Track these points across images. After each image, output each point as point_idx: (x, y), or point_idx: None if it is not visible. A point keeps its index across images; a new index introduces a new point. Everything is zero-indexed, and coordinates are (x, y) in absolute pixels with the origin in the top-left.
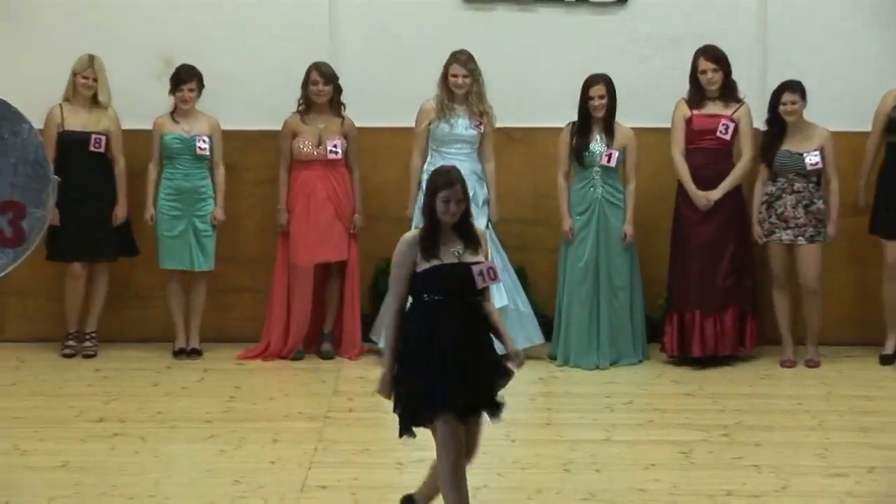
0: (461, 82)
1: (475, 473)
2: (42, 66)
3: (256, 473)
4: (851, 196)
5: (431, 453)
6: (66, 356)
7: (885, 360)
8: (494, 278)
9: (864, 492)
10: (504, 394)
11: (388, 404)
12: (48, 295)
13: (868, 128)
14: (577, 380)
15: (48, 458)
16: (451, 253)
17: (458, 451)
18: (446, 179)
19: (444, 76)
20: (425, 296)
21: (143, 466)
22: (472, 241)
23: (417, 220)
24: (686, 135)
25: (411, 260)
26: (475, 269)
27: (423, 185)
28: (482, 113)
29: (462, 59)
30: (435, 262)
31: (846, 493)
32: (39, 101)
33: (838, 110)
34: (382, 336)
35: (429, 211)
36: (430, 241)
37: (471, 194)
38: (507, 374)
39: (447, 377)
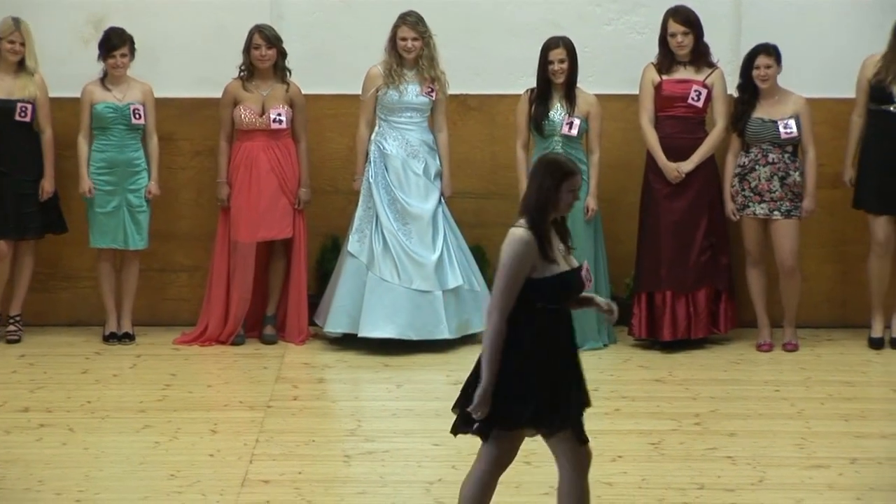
0: (410, 46)
1: (428, 467)
2: None
3: (193, 467)
4: (830, 167)
5: (381, 444)
6: None
7: (875, 344)
8: (591, 280)
9: (845, 484)
10: (462, 380)
11: (335, 392)
12: None
13: (847, 94)
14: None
15: None
16: (559, 254)
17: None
18: (571, 167)
19: (393, 39)
20: (539, 304)
21: (72, 460)
22: (566, 237)
23: (365, 195)
24: (655, 102)
25: (531, 264)
26: (582, 273)
27: (371, 155)
28: (434, 79)
29: (411, 20)
30: (557, 269)
31: (826, 486)
32: None
33: (815, 76)
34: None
35: (546, 204)
36: (545, 240)
37: (422, 166)
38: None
39: (572, 394)
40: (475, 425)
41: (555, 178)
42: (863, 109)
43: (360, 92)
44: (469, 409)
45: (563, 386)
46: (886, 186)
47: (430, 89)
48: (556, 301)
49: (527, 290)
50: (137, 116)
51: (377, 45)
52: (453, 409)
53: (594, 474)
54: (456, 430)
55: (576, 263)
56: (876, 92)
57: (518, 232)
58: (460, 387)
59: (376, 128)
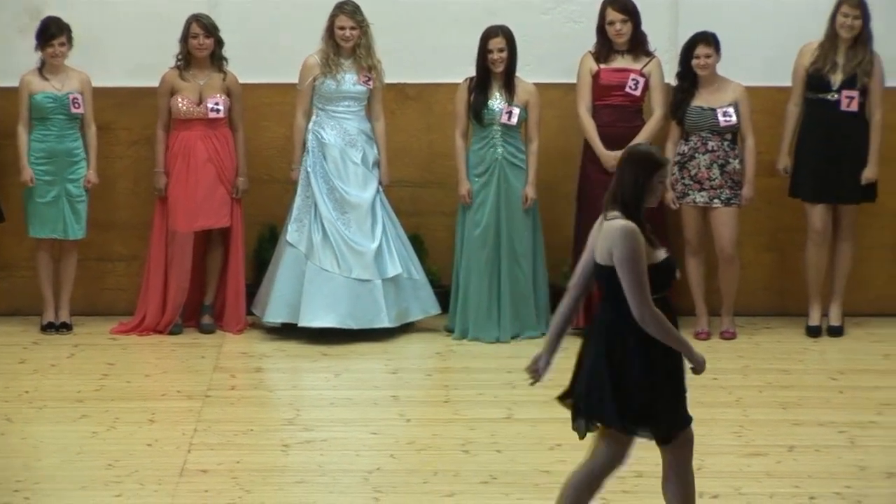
0: (348, 35)
1: (366, 456)
2: None
3: (132, 456)
4: (768, 155)
5: (319, 433)
6: None
7: (812, 332)
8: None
9: (783, 472)
10: (401, 369)
11: (273, 381)
12: None
13: (784, 82)
14: (477, 354)
15: None
16: (653, 244)
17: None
18: (661, 159)
19: (330, 28)
20: (652, 294)
21: (10, 449)
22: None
23: (303, 184)
24: (593, 90)
25: (646, 251)
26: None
27: (309, 145)
28: (371, 68)
29: (349, 9)
30: (661, 255)
31: (764, 474)
32: None
33: (753, 64)
34: (303, 318)
35: (641, 196)
36: (646, 230)
37: (360, 155)
38: None
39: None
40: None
41: (648, 170)
42: (799, 98)
43: (297, 81)
44: (692, 369)
45: (681, 382)
46: (823, 175)
47: (367, 78)
48: (665, 287)
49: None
50: (76, 106)
51: (314, 35)
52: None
53: (532, 462)
54: (630, 432)
55: (664, 251)
56: (813, 80)
57: (624, 223)
58: (400, 378)
59: (314, 117)
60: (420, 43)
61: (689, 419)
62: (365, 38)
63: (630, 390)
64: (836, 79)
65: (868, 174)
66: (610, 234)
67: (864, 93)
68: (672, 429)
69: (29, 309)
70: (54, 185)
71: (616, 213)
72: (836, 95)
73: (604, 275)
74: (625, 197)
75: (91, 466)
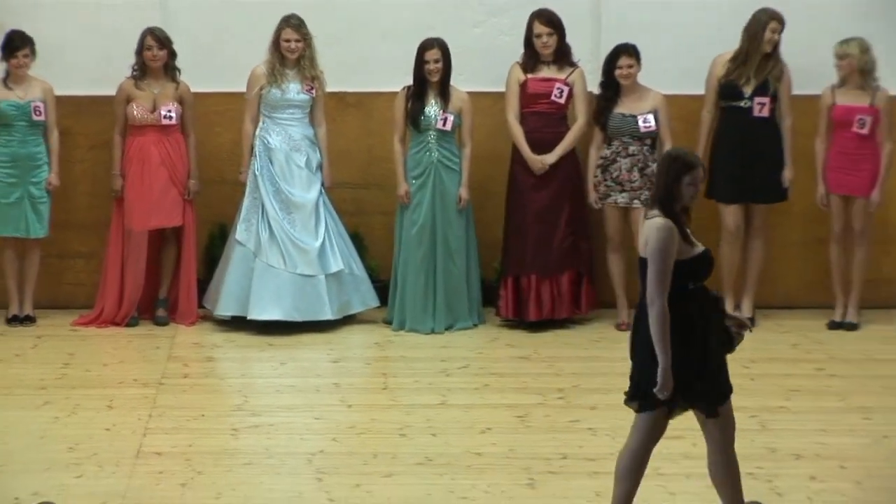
0: (294, 47)
1: (310, 437)
2: None
3: (91, 440)
4: None
5: (266, 418)
6: None
7: None
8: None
9: (699, 454)
10: (343, 358)
11: (223, 370)
12: None
13: (699, 91)
14: (413, 344)
15: None
16: (690, 239)
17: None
18: (693, 160)
19: (276, 41)
20: (690, 284)
21: None
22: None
23: (251, 186)
24: (521, 99)
25: (677, 247)
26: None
27: (256, 149)
28: (314, 78)
29: (294, 23)
30: (698, 249)
31: (682, 456)
32: None
33: (671, 74)
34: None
35: (672, 195)
36: (683, 225)
37: (304, 159)
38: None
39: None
40: (704, 403)
41: (678, 172)
42: (712, 106)
43: (245, 90)
44: (655, 391)
45: (717, 363)
46: (736, 177)
47: (310, 87)
48: (704, 276)
49: (679, 272)
50: (38, 113)
51: (261, 46)
52: (626, 402)
53: (465, 445)
54: (640, 409)
55: (702, 246)
56: (727, 89)
57: (660, 220)
58: (342, 367)
59: (260, 123)
60: (360, 54)
61: (729, 390)
62: (309, 49)
63: (676, 369)
64: (749, 87)
65: (788, 175)
66: (648, 230)
67: (774, 99)
68: (715, 403)
69: None
70: (17, 186)
71: (655, 211)
72: (748, 103)
73: (644, 267)
74: (660, 196)
75: (53, 449)
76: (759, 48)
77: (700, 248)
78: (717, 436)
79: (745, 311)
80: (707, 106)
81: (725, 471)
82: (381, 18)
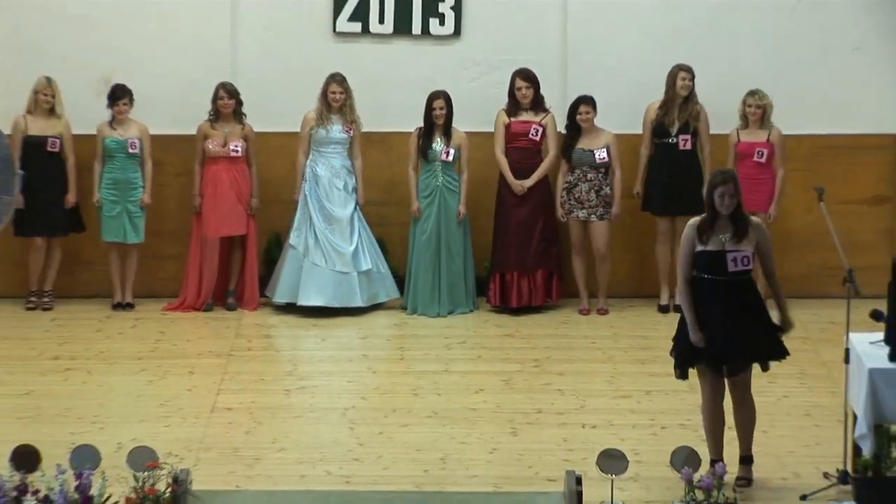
0: (338, 97)
1: (344, 396)
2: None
3: (176, 398)
4: (629, 182)
5: (311, 382)
6: (28, 309)
7: (663, 309)
8: (746, 265)
9: (643, 409)
10: (369, 335)
11: (279, 344)
12: (13, 262)
13: (639, 130)
14: (423, 325)
15: (15, 387)
16: (719, 240)
17: (712, 396)
18: (722, 178)
19: (324, 92)
20: (694, 272)
21: (90, 394)
22: (740, 230)
23: (302, 203)
24: (505, 137)
25: (692, 242)
26: (729, 256)
27: (306, 176)
28: (352, 121)
29: (338, 79)
30: (701, 248)
31: (629, 411)
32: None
33: (619, 117)
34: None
35: (708, 203)
36: (705, 228)
37: (342, 183)
38: (775, 333)
39: (715, 337)
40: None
41: (711, 185)
42: (648, 142)
43: (298, 130)
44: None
45: (718, 335)
46: (666, 196)
47: (349, 128)
48: (708, 271)
49: (694, 262)
50: (133, 147)
51: (310, 96)
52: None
53: (463, 402)
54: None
55: (733, 247)
56: (658, 129)
57: (692, 219)
58: (369, 342)
59: (310, 156)
60: (382, 102)
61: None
62: (349, 99)
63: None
64: (674, 128)
65: (705, 192)
66: None
67: (695, 135)
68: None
69: (103, 293)
70: (118, 204)
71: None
72: (675, 139)
73: None
74: (704, 202)
75: (147, 405)
76: (675, 95)
77: (712, 247)
78: (740, 386)
79: (678, 299)
80: (644, 143)
81: (747, 413)
82: (398, 75)
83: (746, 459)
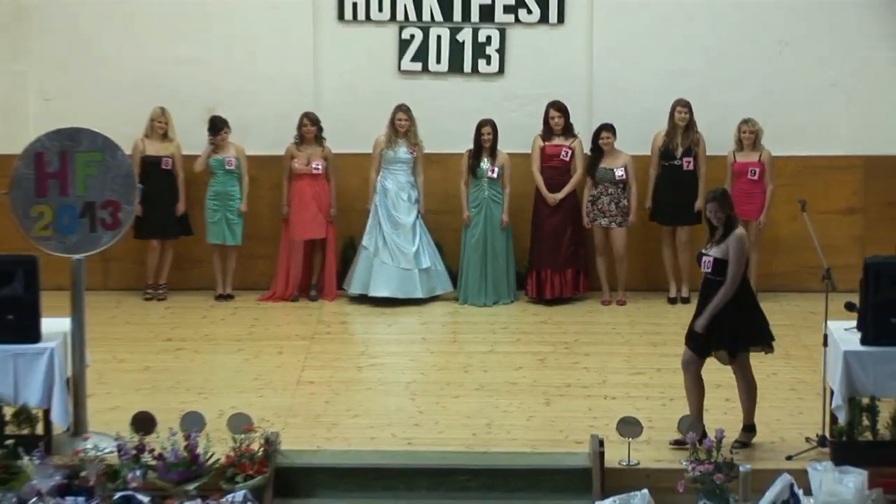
0: (403, 124)
1: (407, 372)
2: (124, 116)
3: (268, 373)
4: (643, 198)
5: (379, 360)
6: (146, 300)
7: (671, 301)
8: (708, 269)
9: (655, 384)
10: (428, 322)
11: (353, 329)
12: (133, 260)
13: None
14: (472, 313)
15: (135, 364)
16: (710, 243)
17: (687, 375)
18: (710, 197)
19: (392, 119)
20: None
21: (197, 369)
22: (718, 238)
23: (373, 212)
24: (540, 158)
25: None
26: (702, 258)
27: (377, 189)
28: (415, 144)
29: (404, 108)
30: (702, 250)
31: (643, 385)
32: (120, 135)
33: (635, 142)
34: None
35: (705, 216)
36: (709, 234)
37: (405, 196)
38: (739, 329)
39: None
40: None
41: (704, 203)
42: (655, 164)
43: (370, 151)
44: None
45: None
46: (670, 209)
47: (413, 150)
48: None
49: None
50: (230, 165)
51: (380, 123)
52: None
53: (505, 377)
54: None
55: (706, 252)
56: (664, 153)
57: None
58: (428, 327)
59: (380, 173)
60: (439, 128)
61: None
62: (413, 125)
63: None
64: (678, 152)
65: (699, 205)
66: None
67: (696, 158)
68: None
69: (208, 286)
70: (218, 212)
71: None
72: (679, 161)
73: None
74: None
75: (244, 379)
76: (675, 125)
77: (703, 250)
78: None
79: (683, 293)
80: (652, 164)
81: (748, 388)
82: (452, 106)
83: (748, 428)
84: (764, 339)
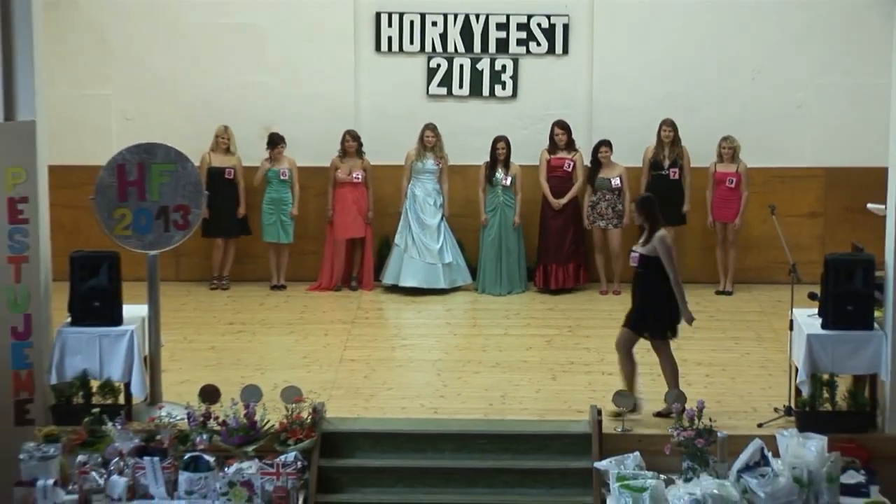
0: (431, 140)
1: (433, 351)
2: (193, 133)
3: (315, 352)
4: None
5: (410, 341)
6: (212, 289)
7: None
8: (634, 263)
9: (644, 361)
10: (451, 309)
11: (387, 314)
12: (202, 255)
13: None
14: (489, 301)
15: (202, 343)
16: (638, 244)
17: (618, 349)
18: (635, 202)
19: (421, 136)
20: None
21: (255, 348)
22: (647, 240)
23: (404, 215)
24: (547, 169)
25: None
26: (631, 254)
27: (407, 196)
28: (441, 157)
29: (431, 126)
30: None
31: (655, 363)
32: (189, 149)
33: (629, 154)
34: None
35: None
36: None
37: (432, 201)
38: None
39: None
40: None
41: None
42: (646, 173)
43: (402, 163)
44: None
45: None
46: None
47: (439, 162)
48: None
49: None
50: (283, 175)
51: (410, 139)
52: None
53: (517, 356)
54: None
55: (635, 248)
56: (654, 165)
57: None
58: (451, 313)
59: (410, 181)
60: (460, 143)
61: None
62: (439, 141)
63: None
64: (666, 163)
65: (686, 208)
66: None
67: (681, 168)
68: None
69: (264, 278)
70: (273, 215)
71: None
72: (667, 171)
73: None
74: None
75: (294, 357)
76: (661, 141)
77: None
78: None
79: None
80: (644, 173)
81: (670, 366)
82: (472, 125)
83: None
84: (654, 330)
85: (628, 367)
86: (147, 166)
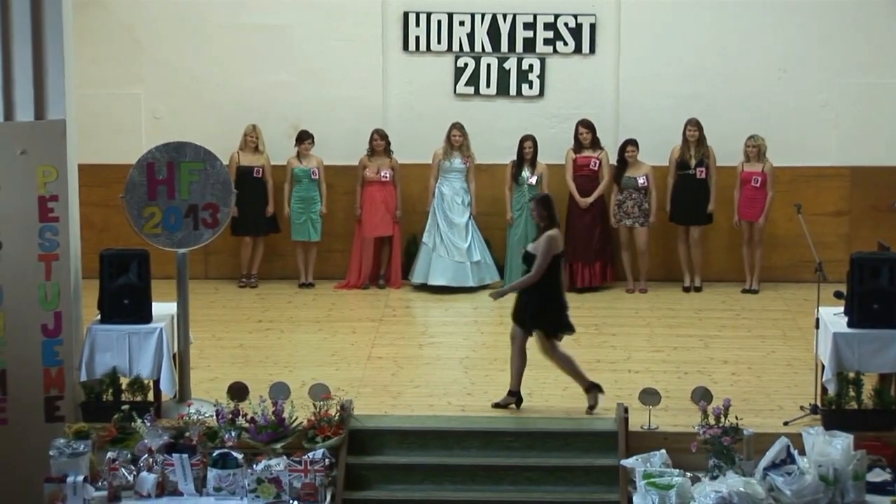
0: (458, 139)
1: (460, 349)
2: (221, 132)
3: (343, 350)
4: (662, 202)
5: (437, 339)
6: (240, 287)
7: (685, 290)
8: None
9: (671, 360)
10: (478, 306)
11: (415, 312)
12: (231, 253)
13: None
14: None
15: (231, 341)
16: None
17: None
18: (534, 200)
19: (448, 135)
20: None
21: (283, 346)
22: (536, 238)
23: (432, 213)
24: (573, 168)
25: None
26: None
27: (435, 194)
28: (468, 156)
29: (458, 126)
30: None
31: (662, 361)
32: (218, 148)
33: (655, 154)
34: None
35: None
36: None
37: (459, 200)
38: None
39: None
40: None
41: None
42: (673, 173)
43: (430, 162)
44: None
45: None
46: (685, 211)
47: (466, 161)
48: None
49: None
50: (314, 174)
51: (438, 138)
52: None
53: (541, 355)
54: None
55: (530, 245)
56: (681, 164)
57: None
58: (478, 311)
59: (438, 180)
60: (488, 143)
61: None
62: (465, 140)
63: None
64: (692, 162)
65: (711, 208)
66: None
67: (707, 168)
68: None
69: (293, 276)
70: (303, 214)
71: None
72: (693, 171)
73: None
74: None
75: (323, 354)
76: (687, 140)
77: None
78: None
79: (696, 282)
80: (671, 173)
81: (562, 355)
82: (499, 124)
83: (591, 387)
84: (560, 328)
85: (520, 360)
86: (177, 165)
